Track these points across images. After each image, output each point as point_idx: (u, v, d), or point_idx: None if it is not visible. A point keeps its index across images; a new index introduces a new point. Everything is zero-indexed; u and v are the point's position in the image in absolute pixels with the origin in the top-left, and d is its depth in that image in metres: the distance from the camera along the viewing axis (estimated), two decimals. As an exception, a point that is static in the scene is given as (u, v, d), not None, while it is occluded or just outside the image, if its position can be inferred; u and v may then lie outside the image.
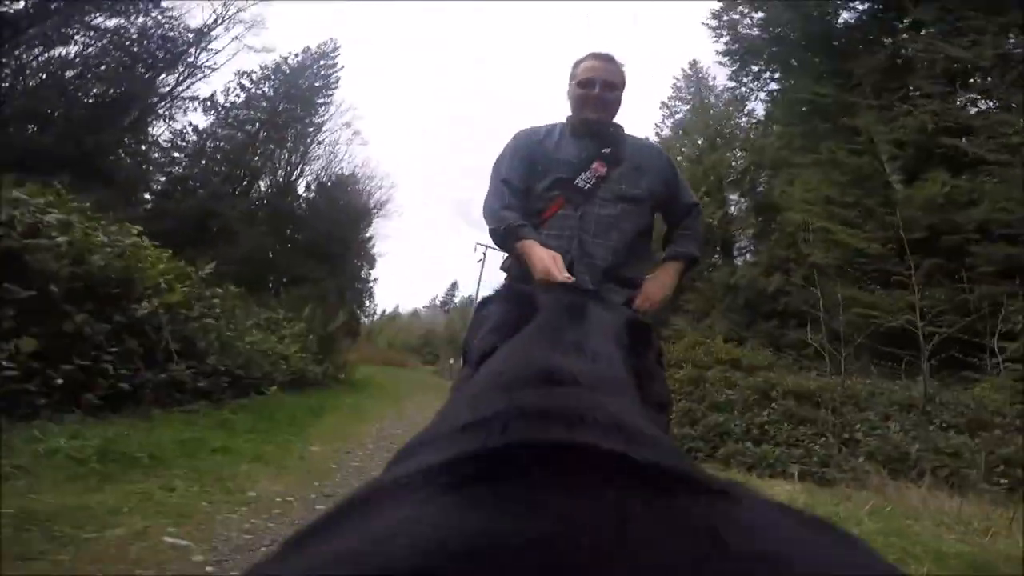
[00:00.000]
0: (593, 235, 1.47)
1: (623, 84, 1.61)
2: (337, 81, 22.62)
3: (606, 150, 1.54)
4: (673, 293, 1.52)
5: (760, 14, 13.08)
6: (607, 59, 1.59)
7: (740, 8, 13.76)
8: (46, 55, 14.45)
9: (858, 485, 4.50)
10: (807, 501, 3.53)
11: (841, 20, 11.35)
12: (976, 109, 8.61)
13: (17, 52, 13.46)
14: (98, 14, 14.91)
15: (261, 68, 20.69)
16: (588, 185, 1.50)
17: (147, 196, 16.99)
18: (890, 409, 5.83)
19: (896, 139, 8.81)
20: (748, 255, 15.15)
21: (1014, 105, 7.26)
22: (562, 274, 1.27)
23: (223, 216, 16.39)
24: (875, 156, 9.56)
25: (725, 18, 14.14)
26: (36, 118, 13.43)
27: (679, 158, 17.59)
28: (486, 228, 1.46)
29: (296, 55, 21.78)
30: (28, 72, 14.24)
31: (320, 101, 22.29)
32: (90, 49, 15.30)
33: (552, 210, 1.49)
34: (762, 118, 15.40)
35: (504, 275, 1.48)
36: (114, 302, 3.24)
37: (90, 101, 15.18)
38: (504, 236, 1.46)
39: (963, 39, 7.98)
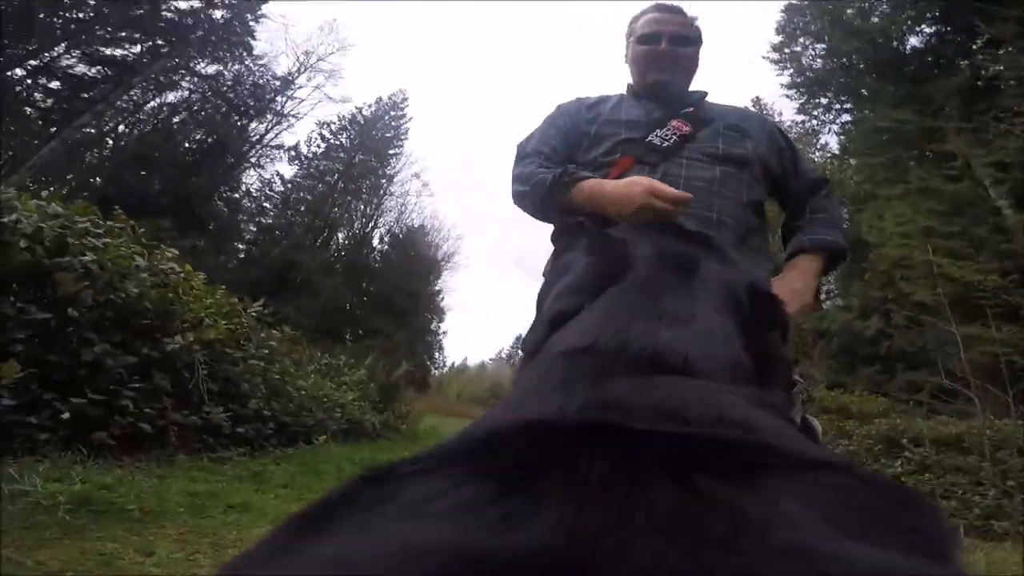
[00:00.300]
0: None
1: (699, 39, 1.30)
2: (407, 132, 24.32)
3: (687, 110, 1.22)
4: (816, 299, 1.13)
5: (822, 45, 13.15)
6: (675, 10, 1.29)
7: (802, 40, 13.89)
8: (156, 100, 16.06)
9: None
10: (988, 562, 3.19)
11: (909, 46, 11.25)
12: None
13: (130, 94, 14.87)
14: (200, 60, 16.48)
15: (339, 118, 22.56)
16: (667, 143, 1.15)
17: (238, 245, 18.21)
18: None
19: (996, 161, 8.35)
20: (837, 298, 14.17)
21: None
22: (673, 195, 0.94)
23: (304, 267, 17.23)
24: (975, 181, 9.05)
25: (787, 51, 14.26)
26: (145, 163, 14.45)
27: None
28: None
29: (369, 105, 23.52)
30: (140, 116, 15.73)
31: (391, 152, 23.86)
32: (193, 95, 16.81)
33: (613, 175, 1.11)
34: (837, 151, 14.99)
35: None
36: (146, 334, 3.03)
37: (191, 147, 16.59)
38: (551, 190, 1.08)
39: None
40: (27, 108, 13.12)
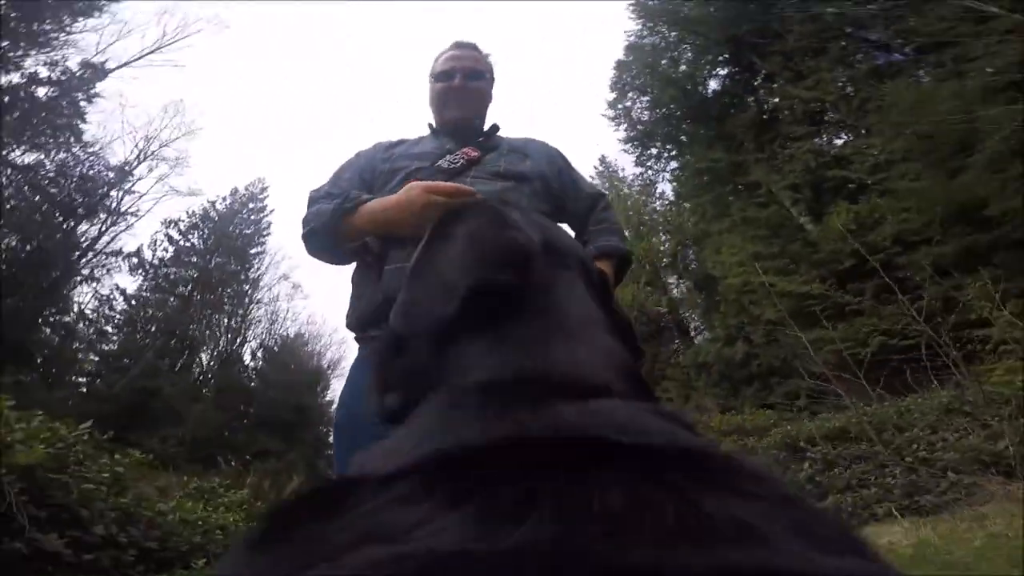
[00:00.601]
0: None
1: (490, 73, 1.45)
2: (269, 226, 21.91)
3: (479, 140, 1.35)
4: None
5: (647, 97, 14.64)
6: (468, 46, 1.44)
7: (631, 94, 15.36)
8: None
9: (970, 502, 4.34)
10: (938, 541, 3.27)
11: (711, 89, 13.02)
12: (841, 140, 9.84)
13: None
14: (16, 147, 13.79)
15: (188, 215, 19.92)
16: (454, 166, 1.25)
17: (78, 379, 15.27)
18: (929, 420, 5.69)
19: (790, 184, 9.66)
20: (705, 332, 15.27)
21: (864, 131, 8.43)
22: (451, 188, 1.05)
23: (163, 394, 14.82)
24: (779, 204, 10.34)
25: (620, 106, 15.66)
26: None
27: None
28: None
29: (224, 199, 21.14)
30: None
31: (253, 251, 21.33)
32: (6, 191, 13.74)
33: None
34: (672, 197, 16.74)
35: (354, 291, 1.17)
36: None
37: (4, 258, 13.49)
38: (334, 218, 1.12)
39: (805, 81, 9.43)
40: None
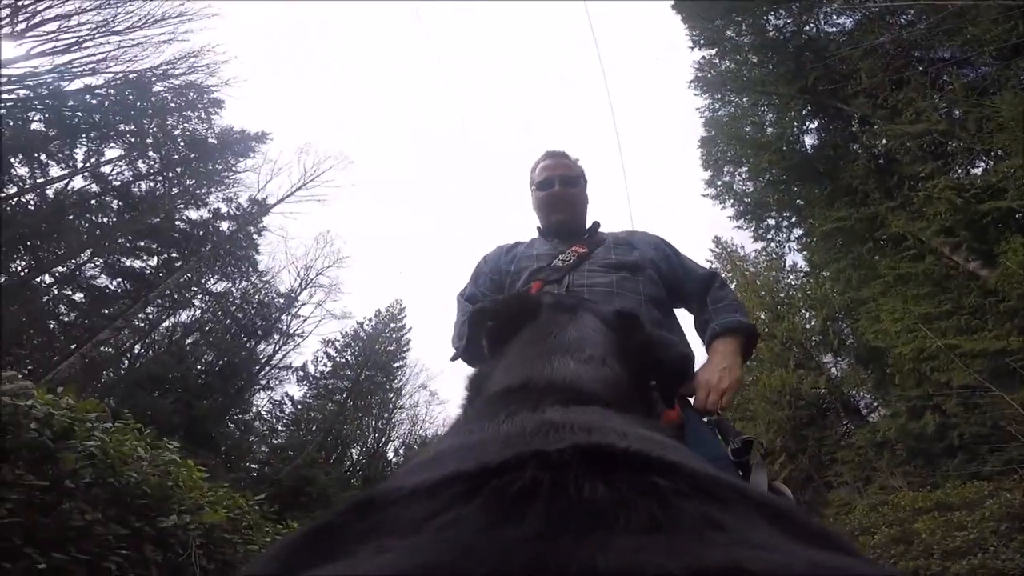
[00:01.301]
0: None
1: (583, 176, 1.67)
2: (408, 343, 25.67)
3: (584, 237, 1.56)
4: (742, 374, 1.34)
5: (744, 168, 14.40)
6: (559, 155, 1.66)
7: (726, 168, 15.18)
8: (170, 319, 16.84)
9: None
10: None
11: (809, 145, 12.69)
12: (979, 168, 9.03)
13: (146, 312, 15.55)
14: (211, 277, 17.46)
15: (342, 335, 23.89)
16: (568, 262, 1.44)
17: (251, 465, 18.19)
18: None
19: (940, 228, 8.89)
20: (880, 409, 13.42)
21: (1000, 152, 7.79)
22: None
23: (318, 482, 17.20)
24: (935, 253, 9.46)
25: (719, 183, 15.47)
26: (158, 383, 14.96)
27: (753, 346, 17.69)
28: None
29: (369, 320, 25.14)
30: (155, 336, 16.60)
31: (396, 365, 24.98)
32: (204, 315, 17.62)
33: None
34: (807, 268, 15.74)
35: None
36: (140, 512, 3.27)
37: (202, 369, 17.13)
38: (467, 358, 1.38)
39: (904, 115, 9.07)
40: (50, 321, 14.03)
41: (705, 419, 1.26)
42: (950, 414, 10.02)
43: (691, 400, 1.26)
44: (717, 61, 13.79)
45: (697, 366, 1.32)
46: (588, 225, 1.66)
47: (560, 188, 1.58)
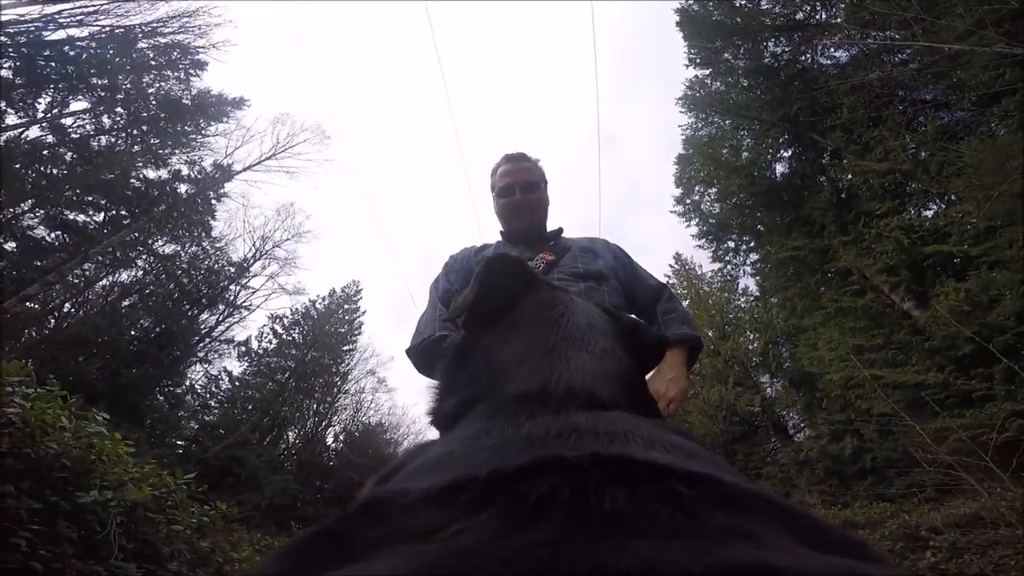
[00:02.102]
0: None
1: (543, 179, 1.65)
2: (360, 327, 24.99)
3: (550, 244, 1.56)
4: (688, 384, 1.39)
5: (714, 189, 14.96)
6: (519, 158, 1.63)
7: (697, 188, 15.80)
8: (108, 278, 15.86)
9: None
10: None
11: (779, 173, 13.33)
12: (930, 211, 9.77)
13: (83, 268, 14.60)
14: (160, 237, 16.64)
15: (292, 312, 23.08)
16: (537, 270, 1.43)
17: (177, 441, 17.28)
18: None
19: (884, 267, 9.61)
20: (806, 430, 14.38)
21: (952, 197, 8.46)
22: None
23: (249, 463, 16.58)
24: (876, 290, 10.21)
25: (688, 201, 16.10)
26: (85, 346, 14.06)
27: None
28: None
29: (323, 299, 24.41)
30: (89, 295, 15.33)
31: (345, 348, 24.11)
32: (147, 276, 16.72)
33: None
34: (757, 293, 16.59)
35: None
36: (57, 487, 3.11)
37: (136, 335, 16.30)
38: (421, 355, 1.35)
39: (874, 152, 9.74)
40: None
41: None
42: (867, 439, 10.75)
43: None
44: (708, 81, 14.33)
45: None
46: (551, 228, 1.66)
47: (522, 195, 1.57)
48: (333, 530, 0.27)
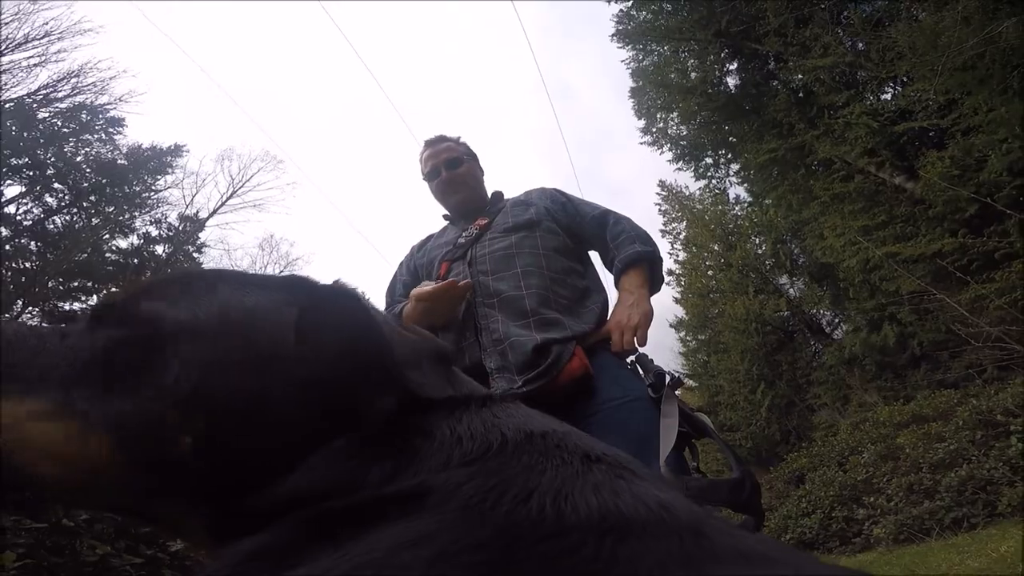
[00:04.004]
0: (492, 273, 1.37)
1: (467, 152, 1.68)
2: None
3: (487, 210, 1.60)
4: (651, 306, 1.37)
5: (675, 113, 14.76)
6: (437, 140, 1.68)
7: (659, 116, 15.51)
8: None
9: None
10: None
11: (732, 85, 13.05)
12: (887, 94, 9.47)
13: None
14: None
15: None
16: (469, 237, 1.49)
17: None
18: None
19: (864, 150, 9.32)
20: (841, 324, 14.35)
21: (904, 79, 8.17)
22: (430, 290, 1.27)
23: None
24: (863, 172, 9.95)
25: (654, 130, 15.82)
26: None
27: (710, 272, 18.18)
28: None
29: None
30: None
31: None
32: None
33: (440, 277, 1.44)
34: (749, 199, 16.29)
35: None
36: (150, 540, 3.37)
37: None
38: None
39: (814, 50, 9.46)
40: None
41: (629, 360, 1.30)
42: (906, 323, 10.58)
43: (611, 344, 1.29)
44: (634, 12, 13.74)
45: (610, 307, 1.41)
46: (491, 197, 1.68)
47: (447, 173, 1.61)
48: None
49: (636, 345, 1.28)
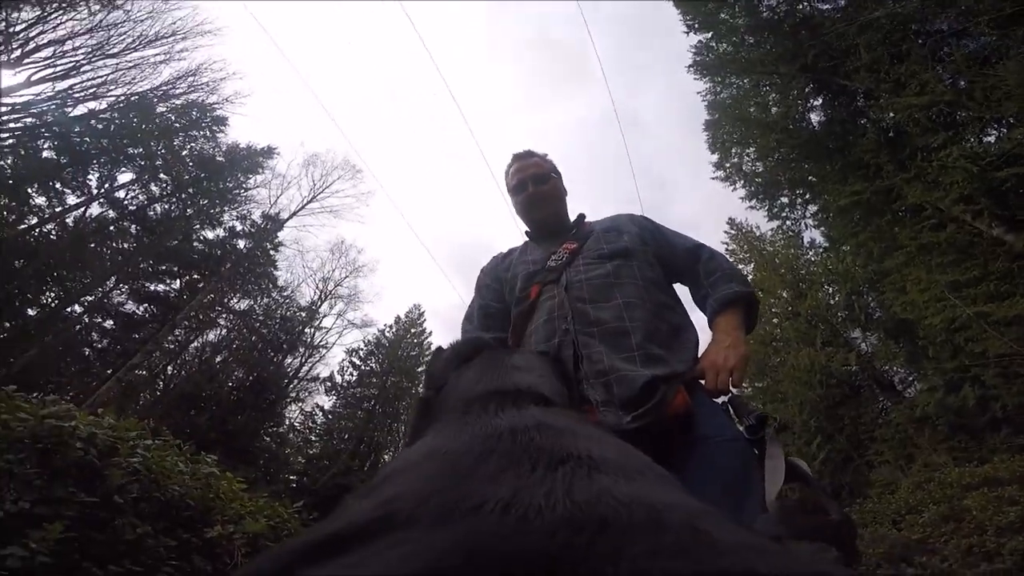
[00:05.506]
0: (590, 301, 1.35)
1: (553, 170, 1.70)
2: (429, 346, 25.94)
3: (572, 233, 1.59)
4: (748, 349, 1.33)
5: (752, 149, 14.39)
6: (526, 155, 1.70)
7: (734, 151, 15.19)
8: (198, 339, 17.66)
9: None
10: None
11: (816, 122, 12.54)
12: (991, 136, 8.89)
13: (175, 333, 16.22)
14: (233, 295, 18.15)
15: (365, 344, 24.78)
16: (561, 261, 1.47)
17: (289, 476, 19.06)
18: None
19: (959, 196, 8.73)
20: (915, 383, 13.57)
21: (1011, 120, 7.68)
22: None
23: (354, 489, 18.15)
24: (957, 221, 9.29)
25: (727, 165, 15.49)
26: (192, 402, 15.76)
27: (775, 320, 17.38)
28: None
29: (390, 327, 25.99)
30: (185, 357, 17.51)
31: (419, 369, 25.70)
32: (231, 333, 18.45)
33: (531, 299, 1.44)
34: (825, 244, 15.54)
35: None
36: (186, 524, 3.44)
37: (233, 385, 17.92)
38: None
39: (910, 87, 8.97)
40: (85, 348, 14.74)
41: (720, 400, 1.27)
42: (989, 385, 9.78)
43: (702, 383, 1.27)
44: (714, 44, 13.70)
45: (703, 344, 1.36)
46: (573, 218, 1.69)
47: (533, 188, 1.62)
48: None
49: (731, 387, 1.26)
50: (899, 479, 11.36)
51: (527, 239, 1.70)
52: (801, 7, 11.68)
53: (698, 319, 1.46)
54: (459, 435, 0.45)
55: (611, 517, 0.25)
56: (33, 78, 13.06)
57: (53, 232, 13.82)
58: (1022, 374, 8.64)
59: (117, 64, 14.27)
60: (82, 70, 13.74)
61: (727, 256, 1.56)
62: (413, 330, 26.54)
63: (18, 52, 12.66)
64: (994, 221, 8.81)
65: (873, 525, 8.26)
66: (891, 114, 10.16)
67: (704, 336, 1.39)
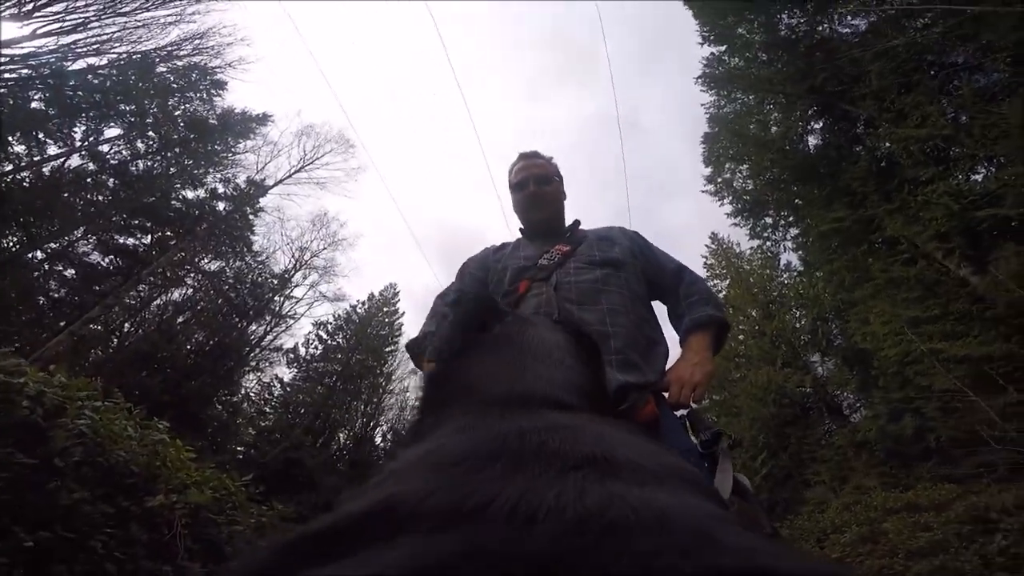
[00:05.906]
0: (577, 303, 1.39)
1: (556, 173, 1.73)
2: (400, 328, 25.89)
3: (567, 236, 1.63)
4: (714, 367, 1.40)
5: (745, 166, 14.60)
6: (532, 155, 1.73)
7: (727, 166, 15.45)
8: (161, 297, 17.18)
9: None
10: None
11: (812, 145, 12.88)
12: (979, 175, 9.23)
13: (138, 290, 15.79)
14: (205, 255, 17.76)
15: (335, 318, 24.18)
16: (553, 261, 1.50)
17: (237, 447, 18.50)
18: None
19: (934, 233, 9.08)
20: (862, 409, 14.19)
21: (1001, 160, 8.01)
22: None
23: (305, 465, 17.73)
24: (928, 258, 9.66)
25: (719, 179, 15.76)
26: (147, 362, 15.28)
27: (741, 337, 17.81)
28: None
29: (362, 303, 25.49)
30: (145, 315, 16.88)
31: (387, 349, 25.29)
32: (197, 293, 17.95)
33: (519, 293, 1.46)
34: (801, 267, 15.99)
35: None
36: (128, 491, 3.35)
37: (192, 348, 17.51)
38: (409, 351, 1.52)
39: (911, 119, 9.25)
40: (40, 297, 14.16)
41: (678, 412, 1.33)
42: (928, 417, 10.15)
43: (665, 395, 1.31)
44: (726, 58, 13.87)
45: (671, 359, 1.43)
46: (568, 223, 1.72)
47: (535, 187, 1.64)
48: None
49: (691, 401, 1.31)
50: (830, 499, 11.83)
51: (521, 235, 1.73)
52: (821, 29, 11.90)
53: (671, 336, 1.54)
54: (467, 436, 0.43)
55: (619, 519, 0.25)
56: (40, 31, 12.68)
57: (27, 180, 13.34)
58: (959, 409, 8.98)
59: (126, 22, 13.98)
60: (90, 26, 13.40)
61: (705, 272, 1.61)
62: (386, 308, 26.21)
63: (30, 5, 12.25)
64: (964, 261, 9.19)
65: (800, 542, 8.69)
66: (887, 144, 10.47)
67: (675, 352, 1.46)
